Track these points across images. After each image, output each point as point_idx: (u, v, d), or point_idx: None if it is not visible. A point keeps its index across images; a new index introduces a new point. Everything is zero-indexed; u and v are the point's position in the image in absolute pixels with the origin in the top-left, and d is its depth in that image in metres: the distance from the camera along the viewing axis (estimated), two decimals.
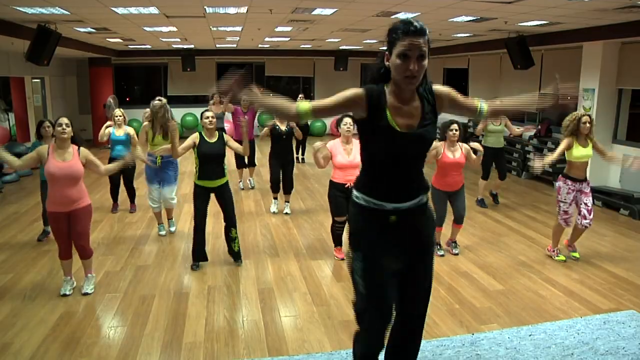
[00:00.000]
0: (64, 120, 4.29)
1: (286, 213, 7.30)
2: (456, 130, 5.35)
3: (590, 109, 8.31)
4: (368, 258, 2.43)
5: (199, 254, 5.21)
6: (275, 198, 7.42)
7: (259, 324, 4.03)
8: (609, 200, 7.78)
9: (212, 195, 5.11)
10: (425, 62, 2.25)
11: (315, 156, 5.02)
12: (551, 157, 5.09)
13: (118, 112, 6.93)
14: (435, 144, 5.33)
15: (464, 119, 12.96)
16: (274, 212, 7.29)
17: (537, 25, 7.94)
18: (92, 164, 4.40)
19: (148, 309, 4.27)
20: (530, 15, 6.99)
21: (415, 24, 2.21)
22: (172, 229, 6.32)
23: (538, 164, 4.87)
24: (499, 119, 7.58)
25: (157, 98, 5.89)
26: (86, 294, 4.51)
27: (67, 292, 4.49)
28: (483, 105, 2.51)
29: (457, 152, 5.40)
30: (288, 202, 7.43)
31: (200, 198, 5.06)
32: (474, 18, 7.48)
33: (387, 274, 2.46)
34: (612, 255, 5.68)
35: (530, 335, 3.83)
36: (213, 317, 4.14)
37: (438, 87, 2.45)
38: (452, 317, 4.16)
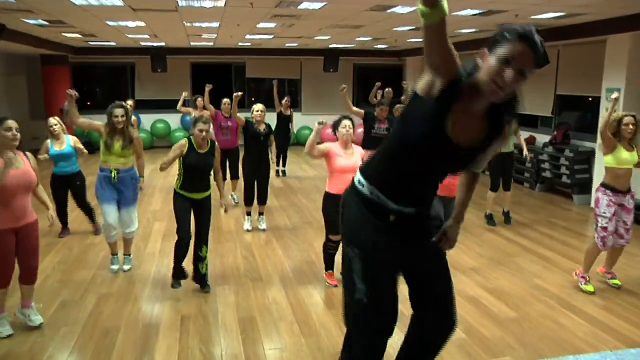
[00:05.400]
0: (13, 124, 4.15)
1: (263, 229, 7.32)
2: None
3: (615, 112, 8.34)
4: (369, 254, 2.46)
5: (179, 271, 5.23)
6: (249, 213, 7.37)
7: (240, 359, 4.00)
8: (638, 214, 7.73)
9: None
10: (522, 84, 2.19)
11: (315, 129, 5.07)
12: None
13: (52, 120, 6.62)
14: None
15: None
16: (247, 230, 7.28)
17: (553, 17, 8.02)
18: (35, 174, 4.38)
19: (111, 343, 4.21)
20: (544, 6, 7.06)
21: (538, 36, 2.14)
22: (127, 266, 5.82)
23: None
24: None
25: (126, 102, 5.78)
26: (38, 325, 4.40)
27: (6, 334, 4.31)
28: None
29: None
30: (262, 213, 7.42)
31: (181, 205, 5.09)
32: (481, 11, 7.56)
33: (391, 276, 2.55)
34: None
35: None
36: (187, 352, 4.10)
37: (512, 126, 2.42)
38: (458, 348, 4.15)
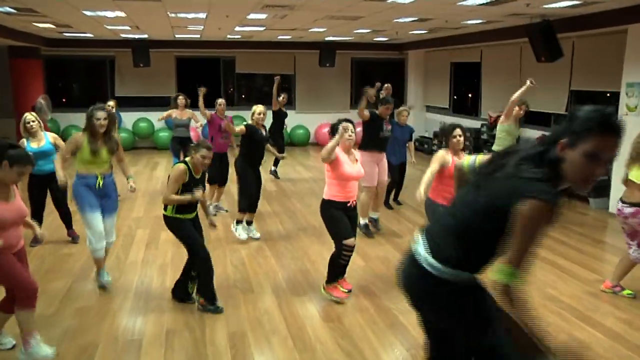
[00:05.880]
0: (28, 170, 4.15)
1: (257, 238, 7.30)
2: (460, 135, 5.40)
3: (636, 108, 8.35)
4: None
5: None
6: (241, 221, 7.22)
7: None
8: None
9: None
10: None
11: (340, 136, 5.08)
12: None
13: (29, 116, 6.54)
14: (440, 152, 5.42)
15: (476, 124, 13.09)
16: (245, 239, 7.18)
17: (566, 6, 8.01)
18: None
19: None
20: None
21: (618, 121, 2.24)
22: (109, 278, 5.72)
23: None
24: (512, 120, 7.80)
25: (107, 104, 5.57)
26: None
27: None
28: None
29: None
30: (251, 222, 7.36)
31: (189, 228, 5.08)
32: (488, 1, 7.58)
33: None
34: None
35: None
36: None
37: None
38: None
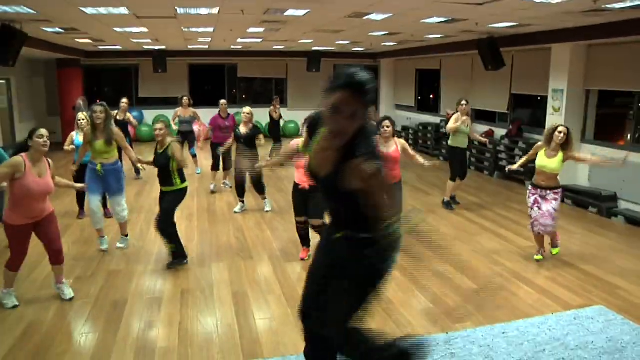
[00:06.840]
0: (45, 132, 4.18)
1: (267, 211, 7.41)
2: (387, 126, 5.46)
3: (559, 109, 8.45)
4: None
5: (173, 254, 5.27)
6: (242, 202, 7.45)
7: (233, 328, 4.01)
8: (578, 198, 7.95)
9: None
10: (357, 121, 2.10)
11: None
12: (520, 162, 5.66)
13: (81, 115, 6.65)
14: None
15: (436, 120, 13.11)
16: (235, 212, 7.34)
17: (507, 27, 8.06)
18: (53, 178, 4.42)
19: (120, 314, 4.21)
20: (500, 17, 7.09)
21: (357, 78, 2.06)
22: (123, 244, 5.81)
23: (512, 167, 5.73)
24: (467, 121, 7.55)
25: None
26: (69, 299, 4.45)
27: (12, 305, 4.28)
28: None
29: (391, 147, 5.49)
30: (266, 198, 7.53)
31: (161, 196, 5.30)
32: (446, 19, 7.56)
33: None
34: (582, 253, 5.81)
35: (503, 333, 3.89)
36: (187, 322, 4.10)
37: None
38: (426, 316, 4.20)
